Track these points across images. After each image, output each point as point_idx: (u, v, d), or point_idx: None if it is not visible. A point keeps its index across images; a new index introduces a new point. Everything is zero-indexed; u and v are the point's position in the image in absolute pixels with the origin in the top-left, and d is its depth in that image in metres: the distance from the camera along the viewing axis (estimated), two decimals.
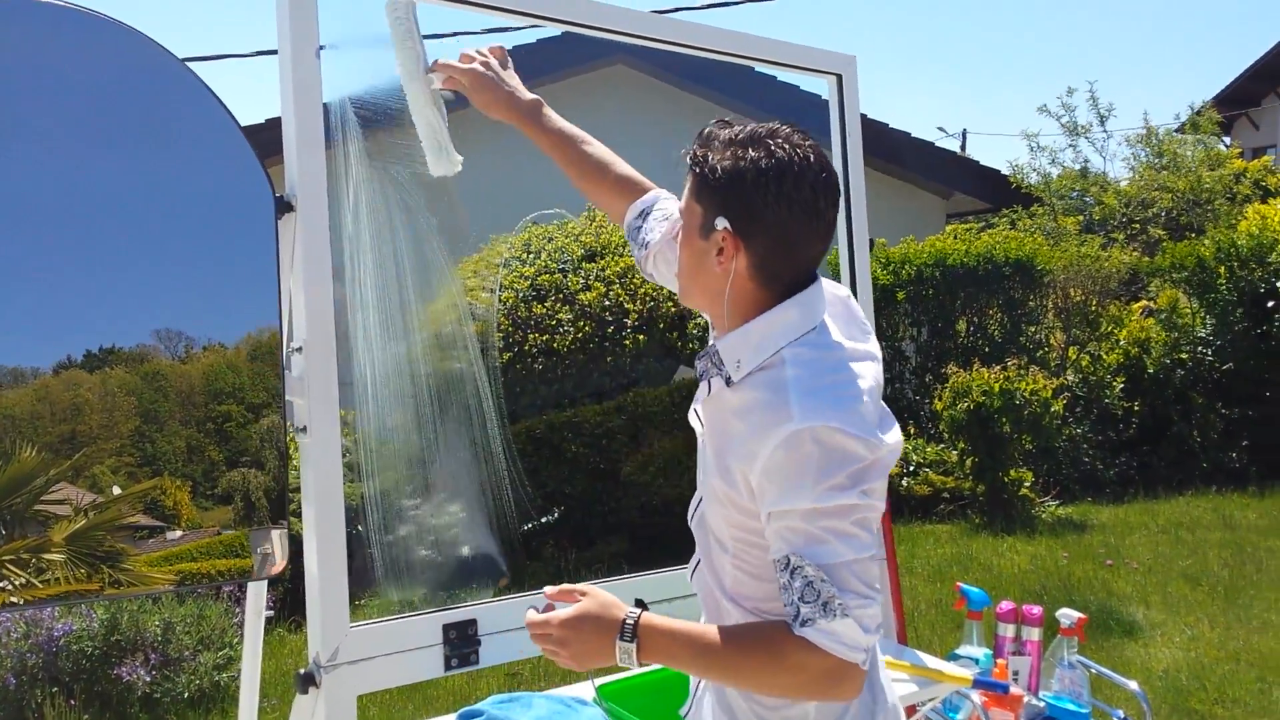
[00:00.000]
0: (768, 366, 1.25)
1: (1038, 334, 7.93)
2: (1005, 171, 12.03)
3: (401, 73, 1.68)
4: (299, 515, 1.71)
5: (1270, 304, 7.43)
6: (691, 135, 1.34)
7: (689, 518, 1.44)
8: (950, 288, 7.77)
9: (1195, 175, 11.14)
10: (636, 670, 2.10)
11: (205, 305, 1.68)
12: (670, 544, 1.82)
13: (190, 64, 1.64)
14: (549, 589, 1.34)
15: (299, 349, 1.62)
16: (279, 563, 1.71)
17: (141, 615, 4.00)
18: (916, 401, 7.80)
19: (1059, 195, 11.64)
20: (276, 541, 1.71)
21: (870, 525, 1.21)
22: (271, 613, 4.68)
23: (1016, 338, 7.71)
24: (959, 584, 2.39)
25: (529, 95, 1.67)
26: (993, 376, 6.35)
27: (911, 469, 6.89)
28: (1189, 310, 7.98)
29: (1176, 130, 13.25)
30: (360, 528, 2.06)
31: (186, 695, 3.87)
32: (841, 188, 1.31)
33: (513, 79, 1.68)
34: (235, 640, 4.17)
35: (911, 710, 2.10)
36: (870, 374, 1.29)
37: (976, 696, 1.99)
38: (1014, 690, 2.04)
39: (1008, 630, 2.17)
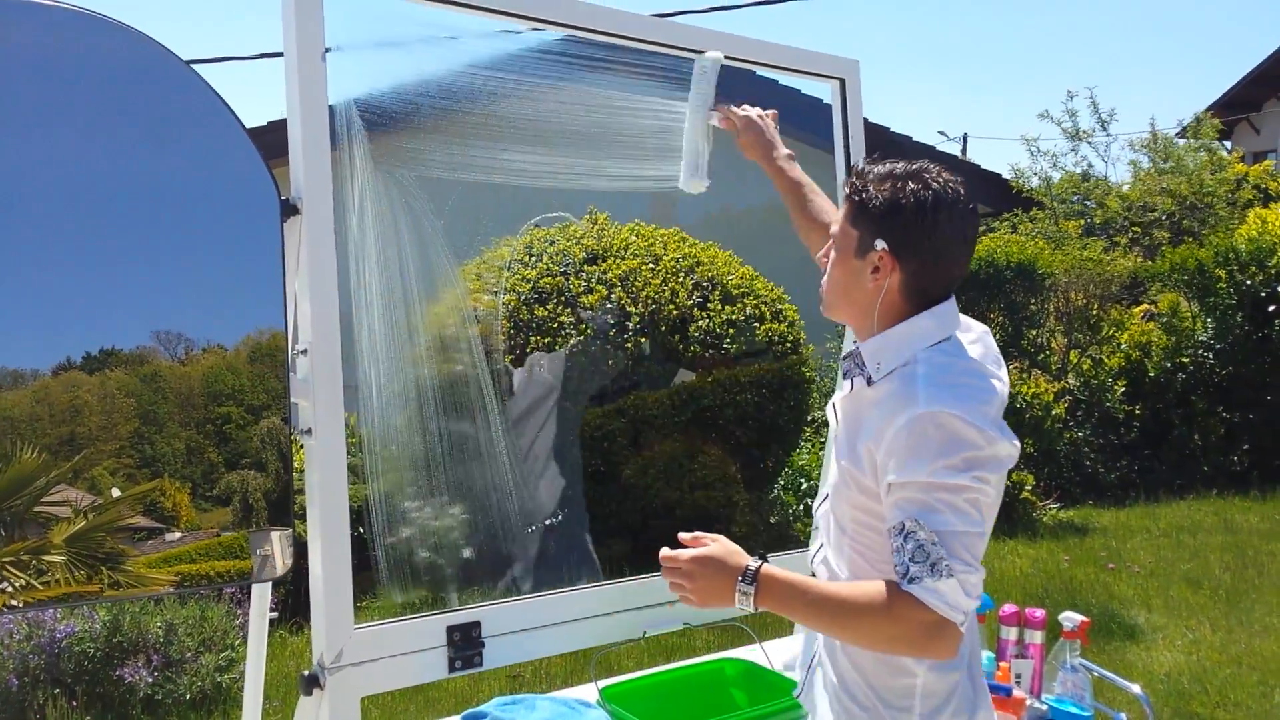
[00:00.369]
0: (903, 367, 1.40)
1: (1039, 337, 7.93)
2: (1006, 175, 12.04)
3: (690, 108, 2.07)
4: (301, 517, 1.71)
5: (1271, 308, 7.44)
6: None
7: (814, 510, 1.62)
8: None
9: (1198, 178, 11.13)
10: (638, 673, 2.11)
11: (205, 307, 1.67)
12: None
13: (193, 66, 1.64)
14: (684, 535, 1.49)
15: (304, 351, 1.62)
16: (281, 565, 1.71)
17: (143, 617, 4.00)
18: None
19: (1060, 199, 11.62)
20: (277, 543, 1.71)
21: (981, 506, 1.33)
22: (275, 614, 4.68)
23: (1018, 341, 7.70)
24: None
25: (785, 150, 2.00)
26: None
27: None
28: (1189, 314, 7.99)
29: (1177, 135, 13.24)
30: (364, 530, 2.06)
31: (188, 697, 3.88)
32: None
33: (775, 135, 2.02)
34: (237, 642, 4.17)
35: None
36: (997, 390, 1.42)
37: None
38: (1016, 693, 2.05)
39: (1010, 633, 2.17)
